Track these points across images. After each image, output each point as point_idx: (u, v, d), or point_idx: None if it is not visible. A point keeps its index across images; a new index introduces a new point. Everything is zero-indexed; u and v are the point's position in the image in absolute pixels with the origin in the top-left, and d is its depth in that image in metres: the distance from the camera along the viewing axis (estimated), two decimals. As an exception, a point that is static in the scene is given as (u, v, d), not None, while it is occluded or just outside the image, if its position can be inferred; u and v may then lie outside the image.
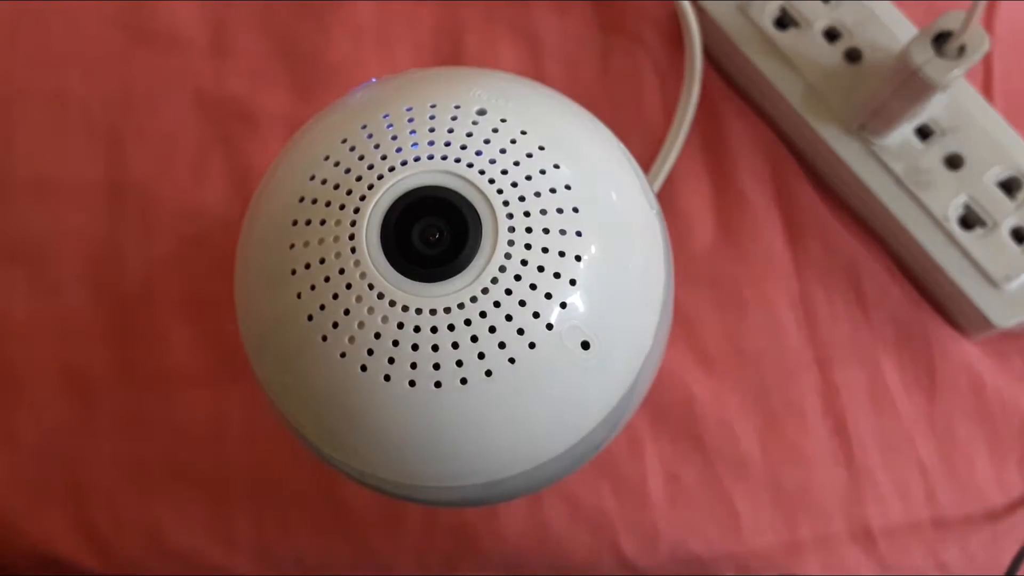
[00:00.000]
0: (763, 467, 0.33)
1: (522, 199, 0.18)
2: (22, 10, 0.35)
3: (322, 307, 0.18)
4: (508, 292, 0.18)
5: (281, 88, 0.35)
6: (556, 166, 0.19)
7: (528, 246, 0.18)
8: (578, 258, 0.18)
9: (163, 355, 0.33)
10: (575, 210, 0.19)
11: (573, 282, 0.18)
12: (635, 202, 0.21)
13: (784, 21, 0.34)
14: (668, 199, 0.34)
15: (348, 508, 0.33)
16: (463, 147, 0.19)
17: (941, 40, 0.29)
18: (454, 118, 0.19)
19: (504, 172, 0.18)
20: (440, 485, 0.20)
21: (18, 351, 0.33)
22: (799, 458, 0.33)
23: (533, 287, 0.18)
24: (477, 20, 0.35)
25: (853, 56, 0.33)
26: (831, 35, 0.33)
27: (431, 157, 0.18)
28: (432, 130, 0.19)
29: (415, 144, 0.18)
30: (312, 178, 0.19)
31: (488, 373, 0.18)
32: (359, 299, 0.18)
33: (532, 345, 0.18)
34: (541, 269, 0.18)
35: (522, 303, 0.18)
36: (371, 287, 0.18)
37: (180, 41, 0.35)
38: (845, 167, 0.33)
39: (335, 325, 0.18)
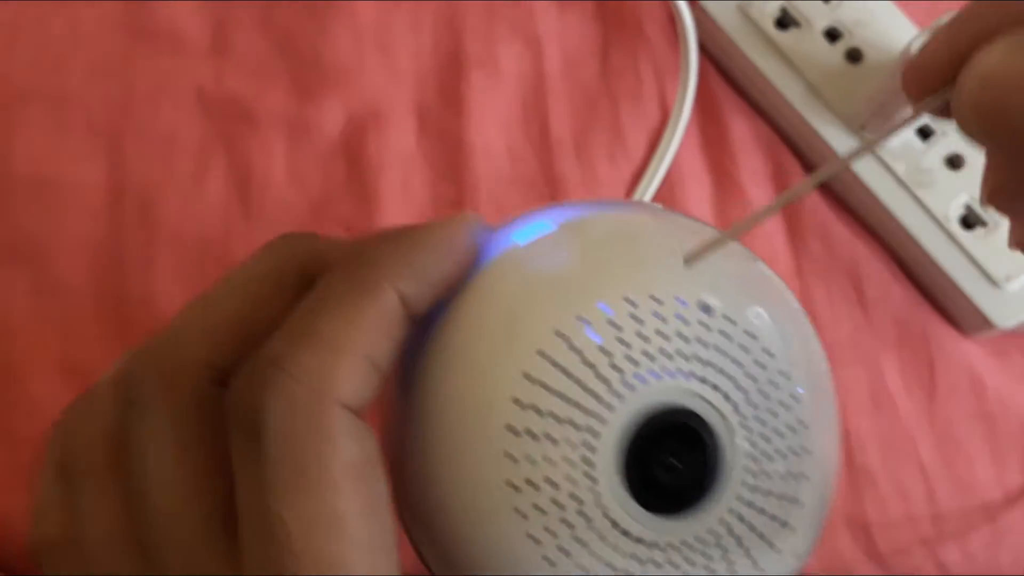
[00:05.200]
0: (763, 467, 0.33)
1: (761, 422, 0.17)
2: (23, 10, 0.35)
3: (547, 529, 0.17)
4: (731, 532, 0.17)
5: (281, 88, 0.35)
6: (785, 375, 0.18)
7: (766, 474, 0.17)
8: (805, 477, 0.18)
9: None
10: (803, 425, 0.18)
11: (792, 528, 0.18)
12: (829, 380, 0.20)
13: (785, 21, 0.34)
14: (669, 198, 0.34)
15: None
16: (699, 359, 0.17)
17: (942, 40, 0.29)
18: (682, 318, 0.17)
19: (741, 390, 0.17)
20: None
21: (19, 350, 0.33)
22: (799, 458, 0.33)
23: (759, 534, 0.17)
24: (478, 19, 0.35)
25: (854, 56, 0.33)
26: (832, 35, 0.33)
27: (671, 374, 0.17)
28: (663, 334, 0.17)
29: (648, 353, 0.17)
30: (528, 377, 0.17)
31: None
32: (593, 529, 0.17)
33: None
34: (766, 512, 0.17)
35: (745, 548, 0.17)
36: (608, 518, 0.17)
37: (181, 41, 0.35)
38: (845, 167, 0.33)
39: (562, 550, 0.17)
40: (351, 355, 0.17)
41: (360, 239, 0.19)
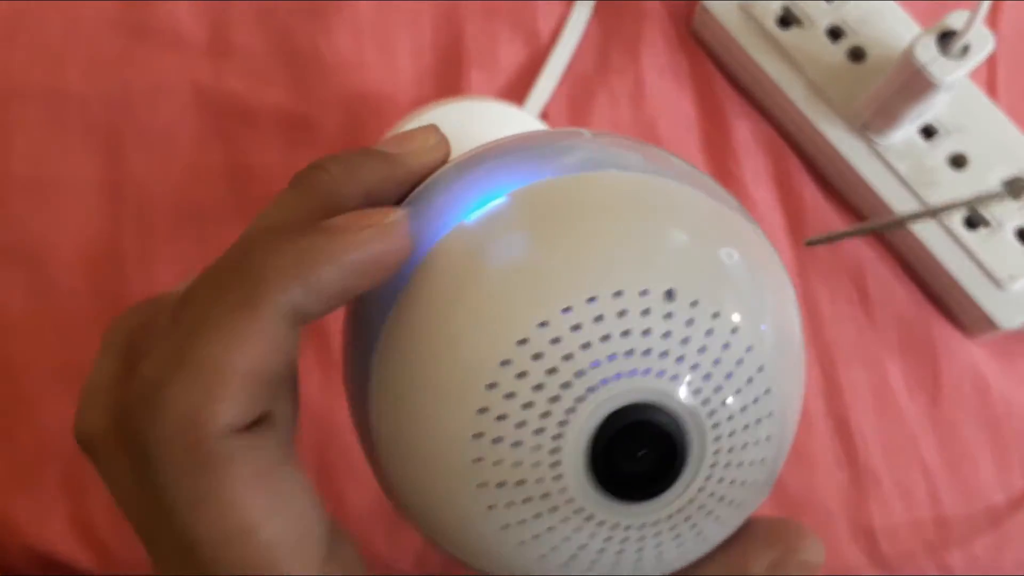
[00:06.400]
0: (765, 469, 0.33)
1: (724, 403, 0.17)
2: (22, 9, 0.35)
3: (521, 522, 0.18)
4: (702, 508, 0.18)
5: (280, 86, 0.35)
6: (749, 348, 0.17)
7: (731, 450, 0.18)
8: (769, 439, 0.18)
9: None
10: (767, 392, 0.18)
11: (755, 484, 0.19)
12: (798, 327, 0.20)
13: (787, 20, 0.34)
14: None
15: (348, 509, 0.32)
16: (663, 353, 0.17)
17: (945, 39, 0.29)
18: (646, 311, 0.17)
19: (707, 377, 0.17)
20: None
21: (16, 350, 0.33)
22: (802, 459, 0.33)
23: (727, 501, 0.18)
24: (477, 17, 0.35)
25: (856, 55, 0.33)
26: (834, 34, 0.33)
27: (632, 372, 0.17)
28: (626, 333, 0.17)
29: (612, 355, 0.17)
30: (492, 386, 0.17)
31: None
32: (564, 520, 0.17)
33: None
34: (734, 482, 0.18)
35: (716, 518, 0.18)
36: (580, 511, 0.17)
37: (179, 39, 0.35)
38: (849, 166, 0.33)
39: (536, 537, 0.18)
40: (231, 378, 0.16)
41: (252, 235, 0.18)
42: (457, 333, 0.17)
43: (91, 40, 0.35)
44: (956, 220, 0.32)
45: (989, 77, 0.35)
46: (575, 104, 0.35)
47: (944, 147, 0.32)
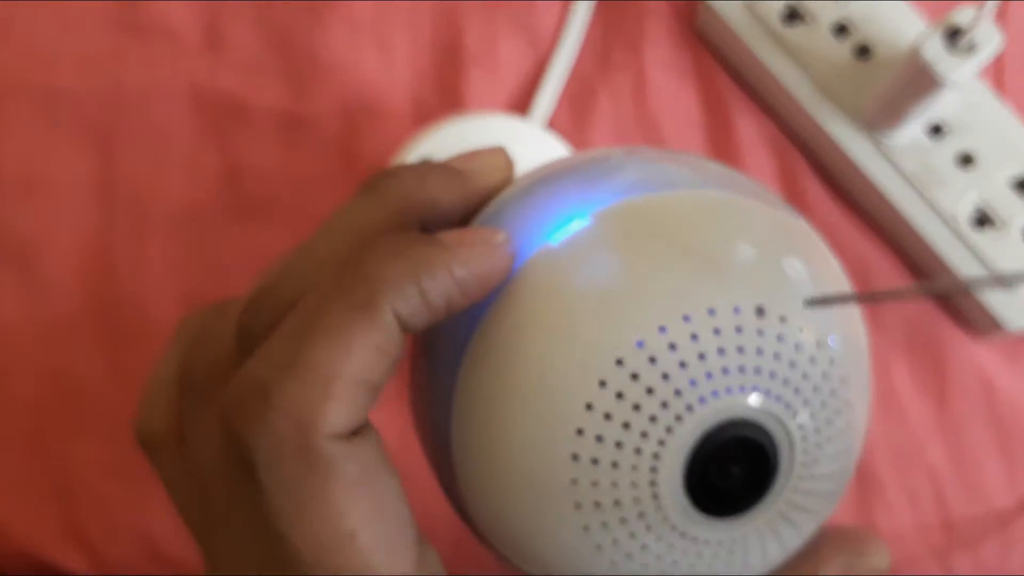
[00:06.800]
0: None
1: (812, 416, 0.18)
2: (15, 6, 0.35)
3: (615, 542, 0.18)
4: (785, 519, 0.18)
5: (275, 83, 0.34)
6: (832, 361, 0.18)
7: (816, 462, 0.18)
8: (848, 450, 0.19)
9: (155, 357, 0.33)
10: (848, 404, 0.18)
11: (839, 494, 0.19)
12: (865, 335, 0.20)
13: (792, 16, 0.33)
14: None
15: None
16: (757, 370, 0.17)
17: (952, 36, 0.28)
18: (739, 328, 0.17)
19: (797, 391, 0.17)
20: None
21: (7, 352, 0.33)
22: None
23: (807, 511, 0.18)
24: (477, 15, 0.35)
25: (862, 52, 0.33)
26: (839, 31, 0.33)
27: (729, 390, 0.17)
28: (721, 350, 0.17)
29: (709, 374, 0.17)
30: (589, 407, 0.17)
31: None
32: (659, 539, 0.18)
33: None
34: (815, 493, 0.18)
35: (797, 528, 0.19)
36: (674, 528, 0.17)
37: (173, 36, 0.34)
38: (854, 166, 0.32)
39: (628, 556, 0.18)
40: (341, 382, 0.16)
41: (365, 242, 0.18)
42: (552, 355, 0.17)
43: (85, 38, 0.35)
44: (963, 219, 0.32)
45: (997, 75, 0.34)
46: (577, 102, 0.34)
47: (951, 146, 0.32)
